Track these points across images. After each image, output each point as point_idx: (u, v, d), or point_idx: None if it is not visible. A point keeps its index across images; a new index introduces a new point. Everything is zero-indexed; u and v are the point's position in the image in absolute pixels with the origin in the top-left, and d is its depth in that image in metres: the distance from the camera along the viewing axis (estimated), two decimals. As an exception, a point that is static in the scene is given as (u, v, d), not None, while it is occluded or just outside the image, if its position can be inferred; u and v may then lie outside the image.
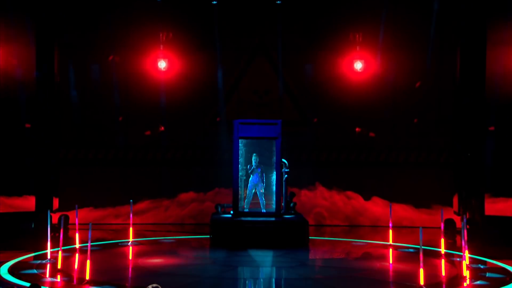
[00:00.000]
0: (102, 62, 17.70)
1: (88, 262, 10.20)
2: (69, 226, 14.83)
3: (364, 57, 17.61)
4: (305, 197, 17.36)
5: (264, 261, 12.33)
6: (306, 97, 17.90)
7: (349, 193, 17.67)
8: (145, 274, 10.96)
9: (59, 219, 14.04)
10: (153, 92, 17.69)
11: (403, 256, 12.93)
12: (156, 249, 13.54)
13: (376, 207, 17.37)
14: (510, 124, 16.15)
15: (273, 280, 11.06)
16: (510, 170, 16.04)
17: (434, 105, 17.59)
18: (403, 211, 17.13)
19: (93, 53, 17.64)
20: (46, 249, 11.80)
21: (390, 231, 13.67)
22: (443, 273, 11.32)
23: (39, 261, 11.61)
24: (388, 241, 13.73)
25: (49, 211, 12.18)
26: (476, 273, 10.97)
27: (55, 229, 13.38)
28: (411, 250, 13.30)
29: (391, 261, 12.62)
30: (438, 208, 15.25)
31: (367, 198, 17.60)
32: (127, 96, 17.69)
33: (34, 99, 16.56)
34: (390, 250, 13.38)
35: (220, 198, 17.04)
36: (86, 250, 10.47)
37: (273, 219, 13.66)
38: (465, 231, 11.11)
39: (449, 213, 16.39)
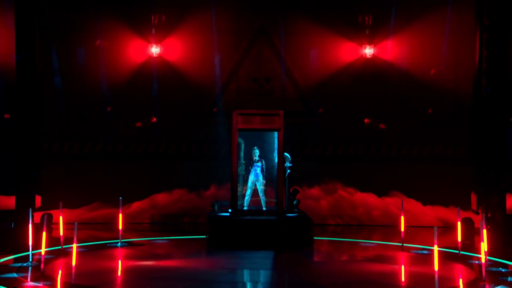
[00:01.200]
0: (88, 47, 17.67)
1: (73, 265, 10.17)
2: (53, 226, 14.80)
3: (374, 41, 17.60)
4: (309, 193, 17.42)
5: (265, 263, 12.35)
6: (310, 85, 17.91)
7: (357, 189, 17.71)
8: (136, 278, 10.96)
9: (42, 218, 14.06)
10: (145, 80, 17.72)
11: (416, 258, 12.88)
12: (148, 250, 13.55)
13: (387, 205, 17.38)
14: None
15: (275, 284, 11.11)
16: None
17: (450, 94, 17.59)
18: (416, 209, 17.12)
19: (78, 37, 17.63)
20: (28, 251, 11.76)
21: (402, 231, 13.65)
22: (460, 277, 11.32)
23: (19, 264, 11.60)
24: (400, 242, 13.77)
25: (30, 210, 12.07)
26: (496, 277, 10.95)
27: (37, 229, 13.30)
28: (425, 251, 13.28)
29: (402, 264, 12.60)
30: (454, 206, 15.19)
31: (376, 195, 17.64)
32: (116, 85, 17.68)
33: (14, 87, 16.51)
34: (402, 251, 13.38)
35: (218, 195, 17.08)
36: (71, 252, 10.43)
37: (274, 217, 13.69)
38: (484, 231, 11.02)
39: (466, 212, 16.42)
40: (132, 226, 16.49)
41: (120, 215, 13.86)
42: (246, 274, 11.73)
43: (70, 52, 17.65)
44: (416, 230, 16.16)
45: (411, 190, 17.28)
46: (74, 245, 10.29)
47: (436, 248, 9.94)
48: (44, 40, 17.27)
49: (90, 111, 17.74)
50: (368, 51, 17.60)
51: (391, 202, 17.31)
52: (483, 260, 10.72)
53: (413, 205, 17.13)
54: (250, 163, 13.97)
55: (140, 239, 14.76)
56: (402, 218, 13.60)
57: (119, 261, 12.51)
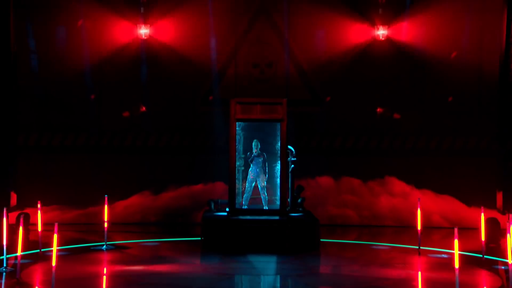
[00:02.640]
0: (69, 27, 17.63)
1: (53, 270, 10.10)
2: (30, 227, 14.78)
3: (388, 21, 17.58)
4: (315, 191, 17.46)
5: (266, 269, 12.39)
6: (317, 71, 17.91)
7: (369, 186, 17.75)
8: (123, 285, 10.94)
9: (18, 218, 13.93)
10: (133, 65, 17.73)
11: (434, 263, 12.88)
12: (137, 253, 13.56)
13: (401, 203, 17.40)
14: None
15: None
16: None
17: (473, 79, 17.57)
18: (436, 208, 17.12)
19: (58, 15, 17.57)
20: (1, 255, 11.72)
21: (419, 233, 13.63)
22: (484, 285, 11.29)
23: (-7, 270, 11.67)
24: (416, 245, 13.75)
25: (5, 209, 12.07)
26: (525, 285, 11.06)
27: (12, 231, 13.22)
28: (444, 255, 13.33)
29: (419, 269, 12.58)
30: (478, 205, 15.19)
31: (390, 192, 17.67)
32: (101, 69, 17.68)
33: (-15, 70, 16.60)
34: (418, 255, 13.36)
35: (214, 192, 17.13)
36: (51, 256, 10.38)
37: (277, 217, 13.71)
38: (512, 232, 11.00)
39: (491, 211, 16.38)
40: (119, 227, 16.53)
41: (106, 215, 13.82)
42: (245, 280, 11.71)
43: (48, 32, 17.59)
44: (434, 231, 16.22)
45: (429, 186, 17.35)
46: (54, 249, 10.22)
47: (456, 252, 9.91)
48: (18, 18, 17.23)
49: (72, 98, 17.72)
50: (381, 32, 17.58)
51: (407, 199, 17.35)
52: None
53: (432, 203, 17.12)
54: (249, 157, 13.96)
55: (128, 242, 14.77)
56: (419, 218, 13.58)
57: (105, 266, 12.49)
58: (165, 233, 16.36)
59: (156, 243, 14.68)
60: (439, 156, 17.71)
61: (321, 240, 13.95)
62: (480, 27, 17.43)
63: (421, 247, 13.58)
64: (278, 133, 13.80)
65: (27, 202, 16.29)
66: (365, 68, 17.64)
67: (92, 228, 16.20)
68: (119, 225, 16.79)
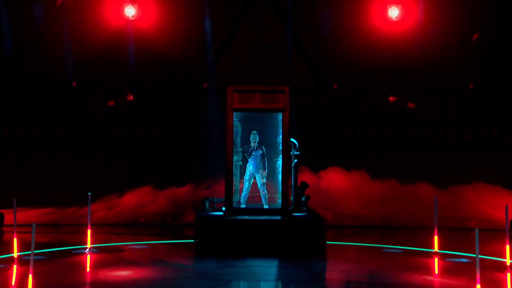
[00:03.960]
0: (48, 7, 17.60)
1: (30, 276, 10.03)
2: (5, 228, 14.86)
3: (402, 0, 17.55)
4: (321, 188, 17.53)
5: (267, 274, 12.33)
6: (323, 55, 17.99)
7: (380, 183, 17.83)
8: (108, 292, 10.97)
9: (-9, 218, 14.00)
10: (119, 49, 17.77)
11: (453, 267, 12.81)
12: (124, 257, 13.52)
13: (416, 201, 17.46)
14: None
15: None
16: None
17: (496, 65, 17.60)
18: (453, 207, 17.21)
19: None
20: (-28, 259, 11.85)
21: (436, 234, 13.62)
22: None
23: (-37, 276, 11.64)
24: (433, 248, 13.76)
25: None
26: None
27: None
28: (464, 259, 13.30)
29: (436, 275, 12.54)
30: (501, 204, 15.19)
31: (403, 190, 17.77)
32: (84, 54, 17.73)
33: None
34: (436, 259, 13.35)
35: (209, 190, 17.18)
36: (28, 260, 10.36)
37: (278, 217, 13.70)
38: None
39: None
40: (104, 228, 16.56)
41: (89, 215, 13.76)
42: (243, 287, 11.61)
43: (24, 10, 17.55)
44: (453, 233, 16.25)
45: (446, 183, 17.44)
46: (32, 252, 10.11)
47: (477, 256, 9.87)
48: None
49: (51, 85, 17.77)
50: (395, 12, 17.59)
51: (422, 198, 17.40)
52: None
53: (449, 201, 17.18)
54: (247, 150, 13.93)
55: (113, 244, 14.77)
56: (435, 218, 13.58)
57: (87, 272, 12.46)
58: (155, 234, 16.40)
59: (145, 246, 14.65)
60: (458, 149, 17.83)
61: (327, 242, 13.94)
62: (504, 7, 17.48)
63: (438, 250, 13.57)
64: (280, 124, 13.76)
65: (1, 201, 16.28)
66: (376, 52, 17.71)
67: (74, 230, 16.21)
68: (104, 226, 16.82)
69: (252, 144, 13.88)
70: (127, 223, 17.43)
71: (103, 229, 16.39)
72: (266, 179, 13.93)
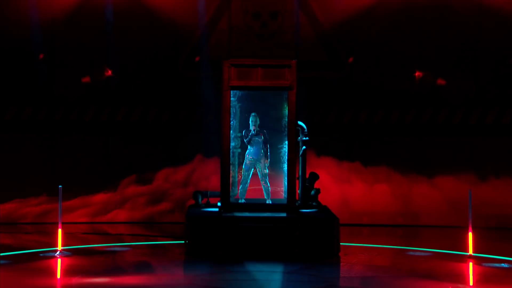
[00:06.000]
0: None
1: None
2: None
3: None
4: (333, 180, 17.61)
5: (270, 281, 12.22)
6: (337, 24, 17.97)
7: (402, 174, 17.90)
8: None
9: None
10: (95, 14, 17.80)
11: (491, 274, 12.78)
12: (102, 261, 13.51)
13: (446, 196, 17.54)
14: None
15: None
16: None
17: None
18: (491, 202, 17.21)
19: None
20: None
21: (470, 234, 13.55)
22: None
23: None
24: (467, 250, 13.71)
25: None
26: None
27: None
28: (504, 264, 13.30)
29: (471, 283, 12.41)
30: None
31: (431, 182, 17.85)
32: (53, 21, 17.72)
33: None
34: (470, 264, 13.29)
35: (202, 182, 17.32)
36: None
37: (283, 214, 13.70)
38: None
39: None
40: (78, 227, 16.61)
41: (60, 211, 13.62)
42: (242, 297, 11.74)
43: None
44: (490, 233, 16.25)
45: (483, 173, 17.57)
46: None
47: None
48: None
49: (13, 58, 17.79)
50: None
51: (452, 191, 17.52)
52: None
53: (486, 195, 17.20)
54: (246, 136, 13.92)
55: (89, 246, 14.81)
56: (470, 215, 13.52)
57: (57, 279, 12.33)
58: (138, 234, 16.45)
59: (126, 248, 14.70)
60: (497, 133, 17.86)
61: (342, 244, 13.92)
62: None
63: (472, 253, 13.53)
64: (285, 105, 13.75)
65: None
66: (399, 19, 17.79)
67: (42, 229, 16.22)
68: (78, 225, 16.88)
69: (252, 128, 13.86)
70: (106, 221, 17.52)
71: (76, 228, 16.43)
72: (268, 169, 13.93)
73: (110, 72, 17.95)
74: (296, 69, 13.54)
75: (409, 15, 17.73)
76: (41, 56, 17.76)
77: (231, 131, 13.73)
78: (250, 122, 13.84)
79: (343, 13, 17.86)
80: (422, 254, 14.23)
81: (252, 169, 13.92)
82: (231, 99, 13.69)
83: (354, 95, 17.98)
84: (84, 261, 13.29)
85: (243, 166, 13.91)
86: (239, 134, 13.96)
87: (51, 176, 17.15)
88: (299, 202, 14.11)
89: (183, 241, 13.77)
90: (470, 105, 17.89)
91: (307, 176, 14.51)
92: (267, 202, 13.92)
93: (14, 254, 13.60)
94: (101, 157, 17.91)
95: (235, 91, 13.74)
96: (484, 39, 17.75)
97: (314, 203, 14.47)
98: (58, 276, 12.40)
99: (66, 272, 12.61)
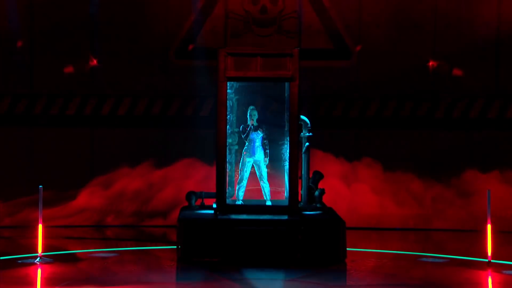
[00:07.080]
0: None
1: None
2: None
3: None
4: (339, 179, 17.66)
5: None
6: (344, 8, 18.03)
7: (414, 173, 17.91)
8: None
9: None
10: None
11: (511, 282, 12.77)
12: (85, 268, 13.55)
13: (462, 197, 17.59)
14: None
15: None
16: None
17: None
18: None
19: None
20: None
21: (489, 238, 13.48)
22: None
23: None
24: (485, 257, 13.66)
25: None
26: None
27: None
28: None
29: None
30: None
31: (446, 182, 17.88)
32: (32, 3, 17.78)
33: None
34: (489, 272, 13.22)
35: (195, 181, 17.29)
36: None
37: (285, 217, 13.68)
38: None
39: None
40: (61, 231, 16.67)
41: (40, 214, 13.60)
42: (238, 309, 11.76)
43: None
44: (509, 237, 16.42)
45: (503, 172, 17.59)
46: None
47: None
48: None
49: None
50: None
51: (470, 191, 17.59)
52: None
53: (507, 197, 17.30)
54: (244, 131, 13.89)
55: (73, 252, 14.81)
56: (488, 217, 13.46)
57: None
58: (126, 239, 16.50)
59: (113, 254, 14.64)
60: None
61: (348, 249, 13.89)
62: None
63: (491, 260, 13.47)
64: (287, 97, 13.73)
65: None
66: (411, 4, 17.83)
67: (20, 233, 16.30)
68: (60, 228, 16.89)
69: (250, 123, 13.82)
70: (90, 224, 17.53)
71: (58, 232, 16.47)
72: (268, 167, 13.92)
73: (95, 61, 18.00)
74: (299, 58, 13.47)
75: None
76: (19, 43, 17.86)
77: (227, 126, 13.67)
78: (248, 116, 13.82)
79: (352, -3, 18.05)
80: (436, 260, 14.22)
81: (250, 168, 13.89)
82: (228, 91, 13.64)
83: (362, 86, 18.01)
84: (67, 269, 13.25)
85: (240, 165, 13.89)
86: (236, 130, 13.98)
87: (29, 174, 17.27)
88: (301, 203, 14.09)
89: (175, 246, 13.73)
90: (490, 98, 17.93)
91: (311, 175, 14.49)
92: (267, 203, 13.92)
93: (-10, 261, 13.70)
94: (84, 153, 17.92)
95: (232, 82, 13.73)
96: (504, 24, 17.75)
97: (318, 205, 14.43)
98: (38, 286, 12.30)
99: (47, 281, 12.55)
